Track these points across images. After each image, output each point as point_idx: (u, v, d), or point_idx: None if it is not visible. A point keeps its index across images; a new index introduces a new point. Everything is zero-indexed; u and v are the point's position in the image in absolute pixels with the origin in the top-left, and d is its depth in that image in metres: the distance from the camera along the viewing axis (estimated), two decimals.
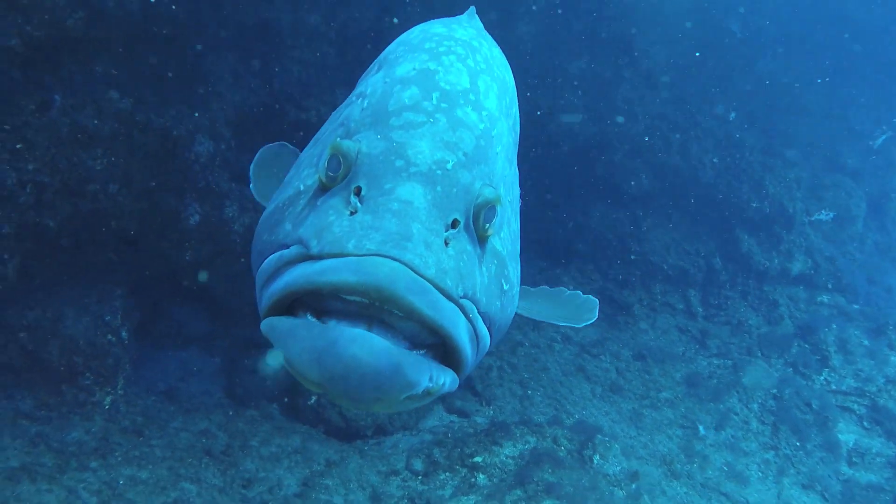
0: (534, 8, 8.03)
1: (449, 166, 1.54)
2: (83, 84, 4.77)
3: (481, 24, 2.50)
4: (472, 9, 2.55)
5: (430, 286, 1.36)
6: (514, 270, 1.79)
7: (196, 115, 5.36)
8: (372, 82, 1.79)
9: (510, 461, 6.12)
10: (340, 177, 1.52)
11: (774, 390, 8.38)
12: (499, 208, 1.59)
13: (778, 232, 9.59)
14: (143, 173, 5.04)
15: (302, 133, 5.83)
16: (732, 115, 9.36)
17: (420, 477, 6.05)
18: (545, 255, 9.63)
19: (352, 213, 1.44)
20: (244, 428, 6.08)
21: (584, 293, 8.79)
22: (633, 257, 9.31)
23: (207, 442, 5.81)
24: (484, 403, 7.63)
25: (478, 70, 1.80)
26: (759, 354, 9.00)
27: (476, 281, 1.51)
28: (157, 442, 5.59)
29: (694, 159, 9.24)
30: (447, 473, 6.05)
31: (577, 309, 2.80)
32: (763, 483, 7.35)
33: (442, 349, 1.46)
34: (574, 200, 9.44)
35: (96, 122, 4.75)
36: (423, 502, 5.73)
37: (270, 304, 1.44)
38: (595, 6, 8.85)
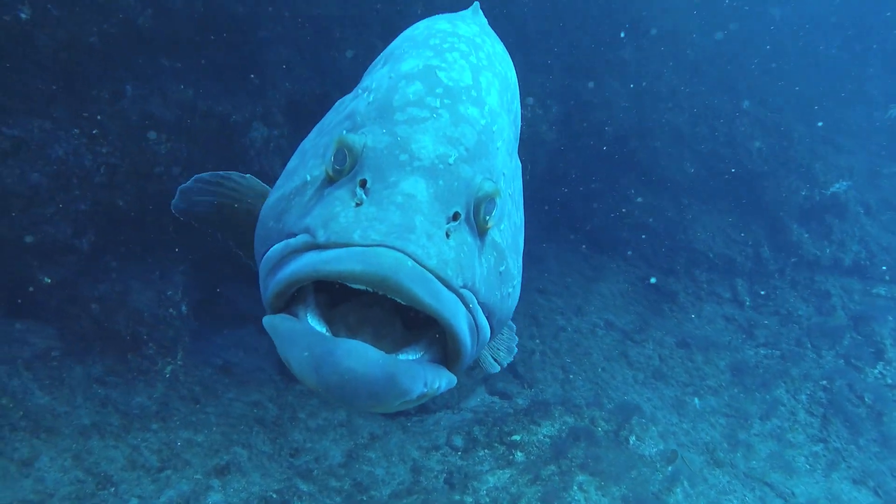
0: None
1: (451, 160, 1.58)
2: (151, 75, 5.18)
3: (485, 20, 2.52)
4: (476, 4, 2.56)
5: (432, 276, 1.40)
6: (514, 262, 1.82)
7: (251, 103, 5.71)
8: (378, 77, 1.83)
9: (547, 440, 6.28)
10: (346, 169, 1.57)
11: (824, 382, 8.27)
12: (498, 201, 1.62)
13: (830, 221, 9.42)
14: (203, 157, 5.42)
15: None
16: (745, 103, 9.18)
17: (459, 453, 6.26)
18: (589, 242, 9.72)
19: (357, 205, 1.48)
20: (293, 401, 6.40)
21: (628, 280, 8.78)
22: (678, 245, 9.29)
23: (259, 412, 6.15)
24: (525, 386, 7.77)
25: (480, 67, 1.83)
26: (809, 346, 8.88)
27: (475, 271, 1.55)
28: (212, 409, 5.96)
29: (740, 147, 9.17)
30: (486, 450, 6.25)
31: None
32: (811, 476, 7.24)
33: (441, 341, 1.51)
34: (617, 188, 9.48)
35: (162, 109, 5.15)
36: (461, 476, 5.93)
37: (277, 291, 1.48)
38: None
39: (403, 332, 1.58)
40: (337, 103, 2.04)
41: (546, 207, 9.31)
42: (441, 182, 1.54)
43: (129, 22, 4.71)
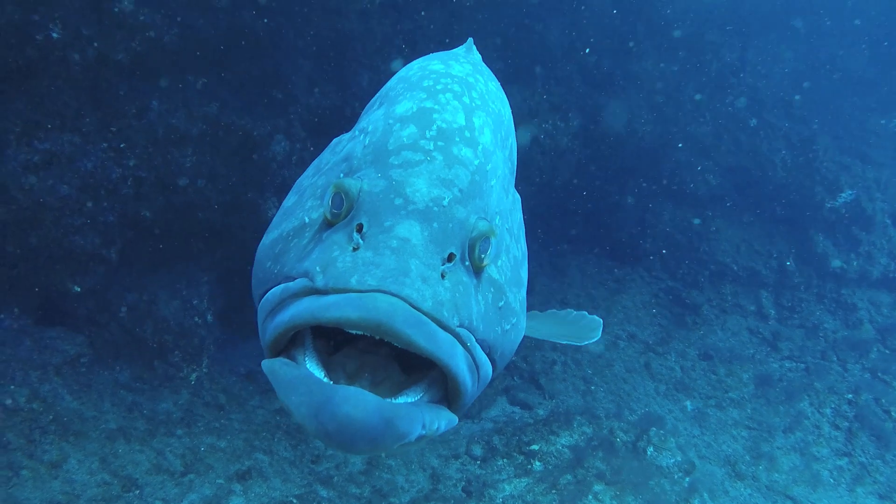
0: (599, 13, 8.20)
1: (445, 203, 1.61)
2: (176, 91, 5.38)
3: (479, 57, 2.58)
4: (470, 40, 2.64)
5: (427, 318, 1.42)
6: (514, 296, 1.83)
7: (274, 117, 5.88)
8: (373, 119, 1.87)
9: (566, 450, 6.31)
10: (343, 213, 1.61)
11: (850, 395, 8.15)
12: (493, 239, 1.66)
13: (856, 233, 9.30)
14: (227, 170, 5.60)
15: None
16: (769, 114, 9.09)
17: (478, 462, 6.31)
18: (613, 255, 9.72)
19: (354, 249, 1.51)
20: None
21: (651, 292, 8.76)
22: (701, 257, 9.25)
23: (281, 420, 6.27)
24: (546, 397, 7.79)
25: (473, 107, 1.87)
26: (835, 359, 8.76)
27: (472, 310, 1.57)
28: (235, 416, 6.11)
29: (764, 159, 9.12)
30: (504, 460, 6.30)
31: (582, 329, 2.88)
32: (835, 490, 7.14)
33: (443, 381, 1.54)
34: (640, 200, 9.49)
35: (187, 123, 5.34)
36: (479, 484, 5.98)
37: (276, 335, 1.52)
38: (667, 4, 8.92)
39: (402, 376, 1.60)
40: (334, 141, 2.09)
41: (568, 220, 9.35)
42: (435, 224, 1.57)
43: (156, 40, 4.92)
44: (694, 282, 9.46)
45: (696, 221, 9.45)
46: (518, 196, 2.13)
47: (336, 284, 1.44)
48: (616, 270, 9.65)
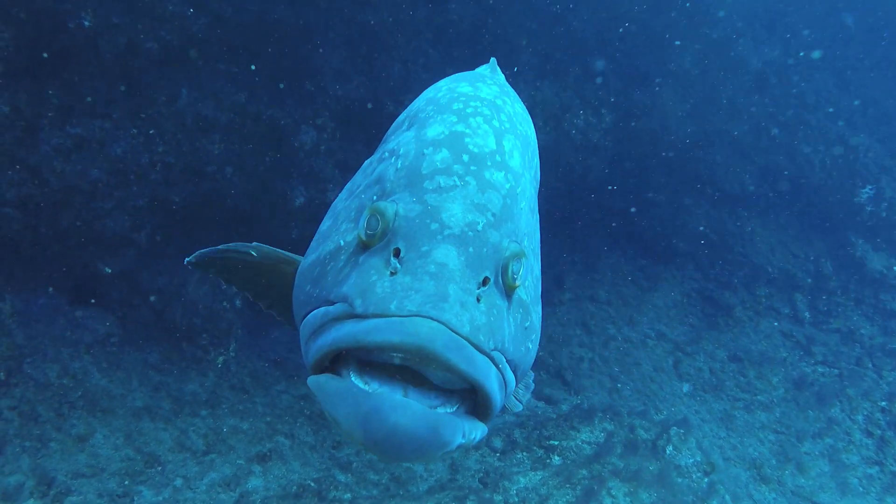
0: (636, 8, 8.11)
1: (479, 227, 1.65)
2: (205, 79, 5.50)
3: (503, 77, 2.64)
4: (493, 60, 2.69)
5: (466, 343, 1.47)
6: (536, 314, 1.90)
7: (302, 107, 5.97)
8: (404, 141, 1.92)
9: (586, 445, 6.29)
10: (378, 235, 1.64)
11: (884, 403, 7.94)
12: (524, 261, 1.71)
13: None
14: (254, 158, 5.71)
15: None
16: (810, 113, 8.86)
17: (498, 454, 6.34)
18: (645, 253, 9.60)
19: (392, 274, 1.55)
20: None
21: (683, 292, 8.62)
22: (736, 258, 9.08)
23: (305, 405, 6.38)
24: (572, 393, 7.77)
25: (502, 130, 1.91)
26: (870, 365, 8.52)
27: (504, 332, 1.62)
28: (260, 400, 6.23)
29: (803, 159, 8.90)
30: (524, 453, 6.31)
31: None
32: (864, 498, 6.99)
33: (473, 394, 1.58)
34: (674, 198, 9.35)
35: (216, 112, 5.46)
36: (496, 476, 6.00)
37: (319, 357, 1.56)
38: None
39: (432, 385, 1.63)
40: (364, 164, 2.12)
41: (601, 216, 9.27)
42: (471, 249, 1.61)
43: (185, 29, 5.05)
44: (727, 282, 9.29)
45: (731, 221, 9.27)
46: (538, 215, 2.16)
47: (376, 310, 1.48)
48: (648, 269, 9.54)
